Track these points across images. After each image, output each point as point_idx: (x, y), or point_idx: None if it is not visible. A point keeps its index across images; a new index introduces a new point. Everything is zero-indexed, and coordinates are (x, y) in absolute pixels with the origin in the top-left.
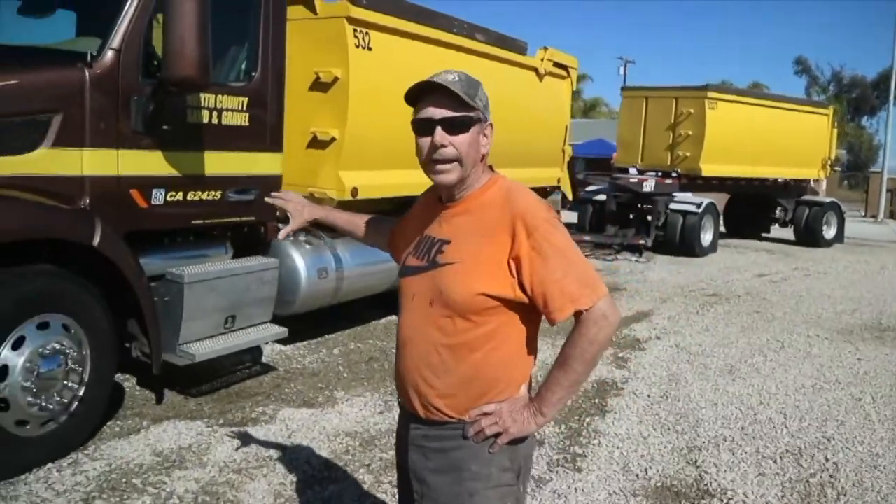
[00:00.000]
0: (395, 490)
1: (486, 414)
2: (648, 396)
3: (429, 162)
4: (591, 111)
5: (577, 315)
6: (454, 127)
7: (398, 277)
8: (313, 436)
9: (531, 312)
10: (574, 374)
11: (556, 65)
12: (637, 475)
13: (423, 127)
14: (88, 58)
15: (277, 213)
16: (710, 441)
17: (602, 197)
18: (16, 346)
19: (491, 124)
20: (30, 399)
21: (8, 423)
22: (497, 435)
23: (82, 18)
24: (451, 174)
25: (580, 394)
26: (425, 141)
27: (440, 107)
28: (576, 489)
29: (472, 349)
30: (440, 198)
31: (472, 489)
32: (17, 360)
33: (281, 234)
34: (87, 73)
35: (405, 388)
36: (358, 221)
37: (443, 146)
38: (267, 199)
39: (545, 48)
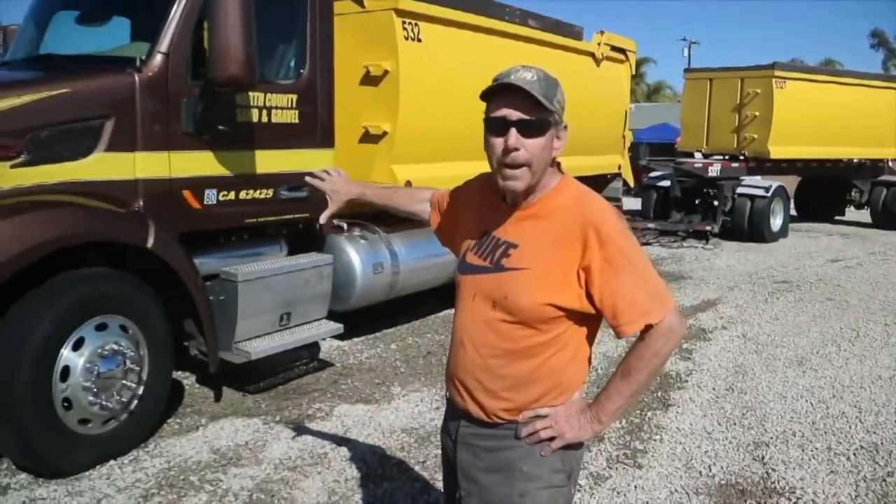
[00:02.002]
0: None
1: (539, 416)
2: (713, 389)
3: (500, 165)
4: (655, 95)
5: (647, 328)
6: (529, 130)
7: (457, 273)
8: (369, 432)
9: (593, 321)
10: (636, 385)
11: (614, 49)
12: (700, 472)
13: (496, 126)
14: (138, 62)
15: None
16: (779, 436)
17: (666, 183)
18: (76, 347)
19: (566, 126)
20: (91, 398)
21: (71, 422)
22: (551, 439)
23: (134, 25)
24: (520, 181)
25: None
26: (498, 141)
27: (516, 108)
28: (636, 486)
29: (531, 355)
30: (503, 196)
31: (524, 489)
32: (77, 361)
33: (322, 218)
34: (136, 78)
35: (458, 387)
36: (391, 194)
37: (515, 150)
38: (306, 178)
39: (602, 32)
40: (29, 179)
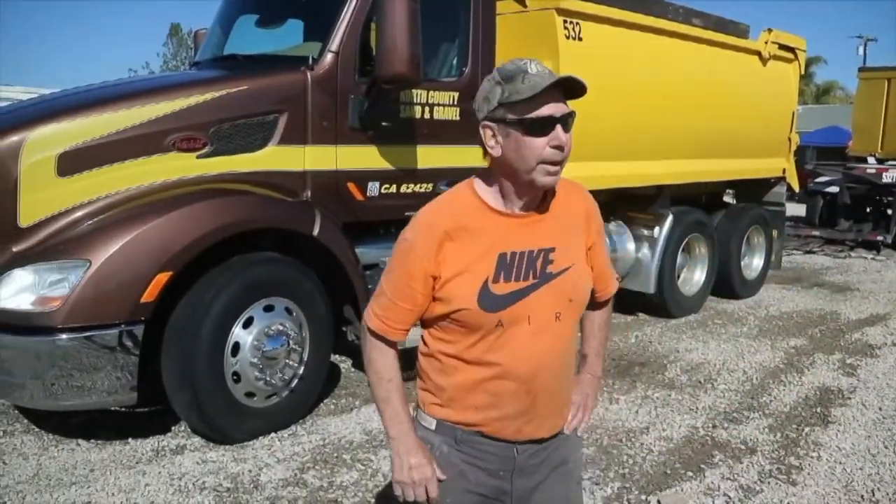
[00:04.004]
0: (594, 486)
1: (579, 405)
2: (880, 409)
3: (539, 164)
4: (825, 96)
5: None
6: (569, 125)
7: (484, 312)
8: None
9: None
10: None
11: (782, 47)
12: (862, 496)
13: (542, 126)
14: (310, 61)
15: None
16: None
17: (834, 189)
18: (246, 325)
19: None
20: (257, 374)
21: (239, 395)
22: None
23: (308, 26)
24: (558, 177)
25: (800, 401)
26: (540, 141)
27: (558, 102)
28: None
29: (576, 341)
30: (494, 210)
31: (578, 478)
32: (246, 338)
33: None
34: (308, 76)
35: (533, 420)
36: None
37: (562, 146)
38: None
39: (769, 30)
40: (211, 169)
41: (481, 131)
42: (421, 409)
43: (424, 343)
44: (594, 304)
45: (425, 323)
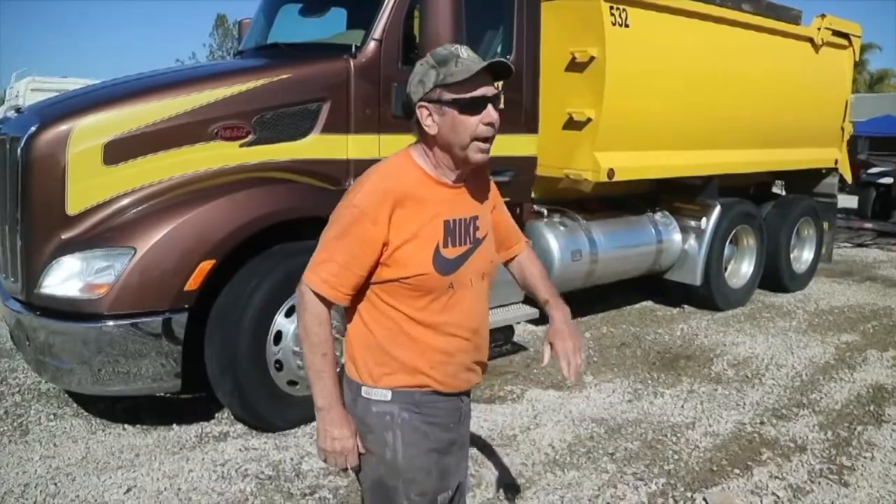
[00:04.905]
0: (638, 482)
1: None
2: None
3: (473, 141)
4: (879, 84)
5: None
6: (496, 105)
7: (440, 274)
8: (558, 419)
9: None
10: None
11: (836, 33)
12: None
13: (475, 106)
14: (353, 49)
15: (533, 195)
16: None
17: (888, 180)
18: (288, 314)
19: None
20: (299, 362)
21: (281, 383)
22: None
23: (351, 14)
24: (488, 154)
25: (852, 398)
26: (473, 119)
27: (489, 84)
28: None
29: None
30: (434, 179)
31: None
32: (289, 327)
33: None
34: (351, 64)
35: (477, 370)
36: None
37: (493, 123)
38: None
39: (822, 15)
40: (254, 157)
41: (418, 112)
42: (368, 384)
43: (361, 316)
44: (523, 256)
45: (365, 289)
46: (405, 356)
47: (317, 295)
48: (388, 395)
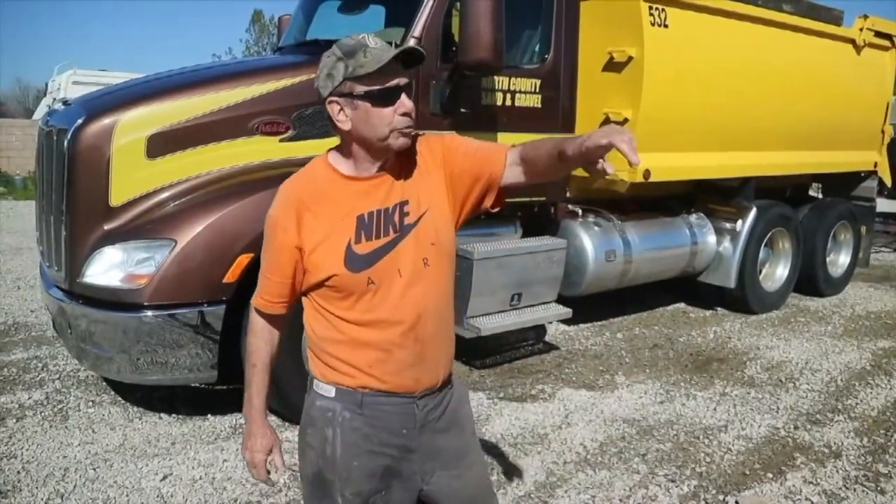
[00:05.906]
0: (670, 484)
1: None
2: None
3: (393, 131)
4: None
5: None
6: (409, 93)
7: (351, 273)
8: (590, 418)
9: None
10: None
11: (878, 34)
12: None
13: (390, 96)
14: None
15: (567, 194)
16: None
17: None
18: None
19: None
20: None
21: None
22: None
23: (390, 11)
24: (410, 136)
25: (889, 404)
26: (388, 110)
27: (401, 74)
28: None
29: (452, 282)
30: (346, 176)
31: (472, 429)
32: None
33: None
34: None
35: (427, 367)
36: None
37: (409, 113)
38: None
39: (865, 16)
40: (294, 153)
41: (328, 107)
42: (318, 378)
43: (306, 317)
44: (514, 156)
45: (304, 295)
46: (343, 355)
47: (254, 306)
48: (332, 392)
